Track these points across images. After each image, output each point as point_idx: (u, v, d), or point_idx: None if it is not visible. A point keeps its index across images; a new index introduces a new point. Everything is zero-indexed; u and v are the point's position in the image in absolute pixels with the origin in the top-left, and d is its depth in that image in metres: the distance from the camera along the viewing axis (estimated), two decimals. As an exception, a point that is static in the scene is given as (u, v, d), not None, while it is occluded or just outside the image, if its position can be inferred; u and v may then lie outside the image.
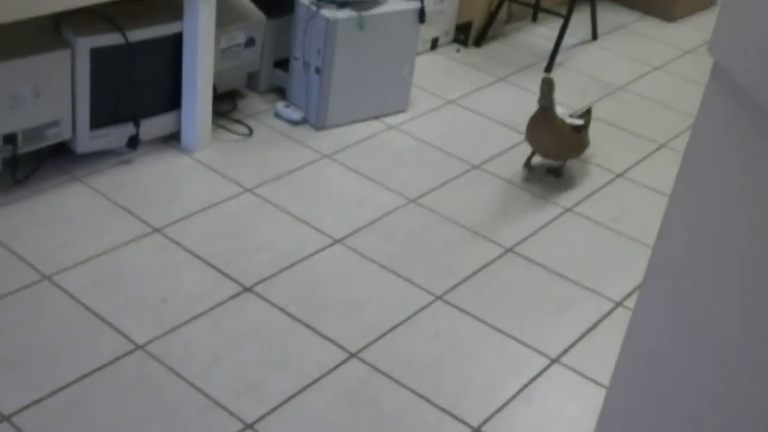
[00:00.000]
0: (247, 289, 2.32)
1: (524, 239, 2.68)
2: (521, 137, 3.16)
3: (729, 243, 1.44)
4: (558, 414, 2.09)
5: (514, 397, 2.12)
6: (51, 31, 2.55)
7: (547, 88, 2.80)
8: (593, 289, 2.51)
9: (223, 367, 2.08)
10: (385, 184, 2.83)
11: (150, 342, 2.11)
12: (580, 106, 3.51)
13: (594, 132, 3.28)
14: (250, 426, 1.94)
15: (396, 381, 2.11)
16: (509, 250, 2.63)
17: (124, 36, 2.58)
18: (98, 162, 2.72)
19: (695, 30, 4.46)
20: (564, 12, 3.84)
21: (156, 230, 2.48)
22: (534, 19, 4.25)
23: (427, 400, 2.07)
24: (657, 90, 3.76)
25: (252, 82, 3.20)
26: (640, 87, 3.77)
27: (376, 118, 3.20)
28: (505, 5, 3.97)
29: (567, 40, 3.99)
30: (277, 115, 3.11)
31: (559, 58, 3.84)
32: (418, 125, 3.21)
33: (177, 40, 2.72)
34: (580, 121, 2.97)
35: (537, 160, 3.05)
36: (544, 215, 2.81)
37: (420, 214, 2.72)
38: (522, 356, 2.24)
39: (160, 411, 1.94)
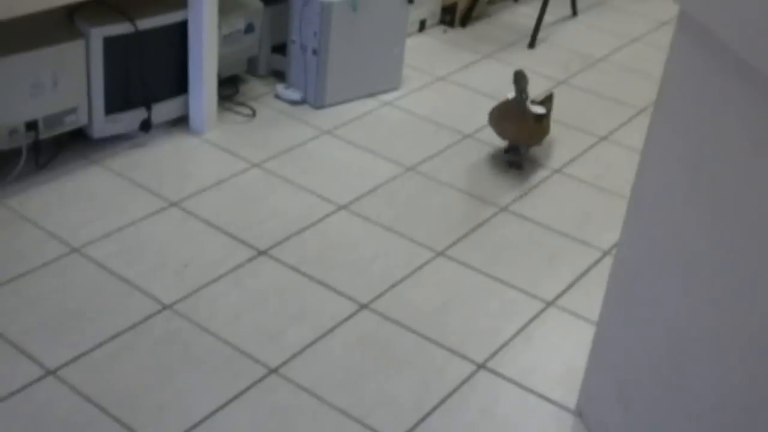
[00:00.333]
0: (262, 253, 2.50)
1: (517, 199, 2.86)
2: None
3: (698, 177, 1.63)
4: (555, 350, 2.28)
5: (514, 336, 2.30)
6: (65, 23, 2.72)
7: (524, 80, 2.89)
8: (582, 240, 2.70)
9: (245, 322, 2.25)
10: (383, 155, 3.01)
11: (176, 302, 2.29)
12: (563, 77, 3.70)
13: (577, 102, 3.47)
14: (274, 370, 2.12)
15: (405, 327, 2.29)
16: (503, 209, 2.81)
17: (134, 25, 2.75)
18: (113, 145, 2.89)
19: (671, 3, 4.64)
20: (544, -10, 4.03)
21: (173, 204, 2.66)
22: (516, -1, 4.43)
23: (435, 342, 2.25)
24: (635, 60, 3.95)
25: (252, 66, 3.37)
26: (619, 58, 3.96)
27: (371, 95, 3.38)
28: (488, -14, 4.15)
29: (548, 17, 4.18)
30: (278, 97, 3.29)
31: (541, 35, 4.03)
32: (410, 101, 3.39)
33: (183, 27, 2.89)
34: (542, 110, 3.00)
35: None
36: (534, 177, 2.99)
37: (417, 181, 2.90)
38: (520, 301, 2.43)
39: (190, 362, 2.12)
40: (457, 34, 4.02)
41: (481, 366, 2.20)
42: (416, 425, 2.01)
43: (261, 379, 2.09)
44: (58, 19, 2.71)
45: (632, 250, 1.88)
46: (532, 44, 3.96)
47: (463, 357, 2.22)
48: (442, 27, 4.05)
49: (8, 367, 2.04)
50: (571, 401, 2.12)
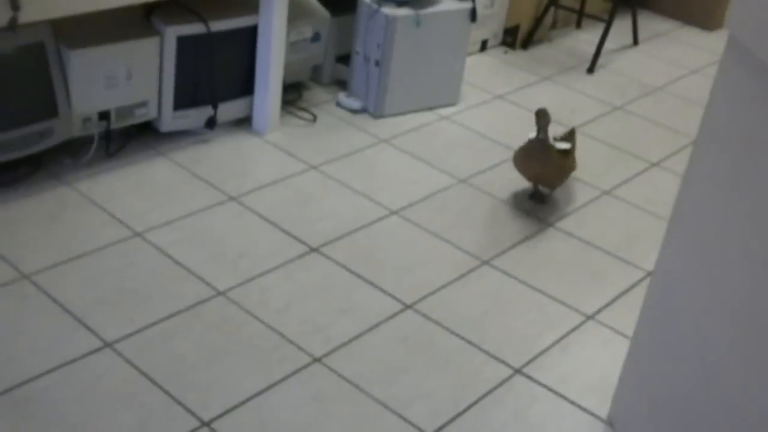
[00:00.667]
0: (313, 250, 2.60)
1: (564, 216, 2.93)
2: (563, 128, 3.42)
3: (735, 198, 1.68)
4: (591, 362, 2.34)
5: (552, 345, 2.37)
6: (142, 21, 2.86)
7: (543, 120, 2.82)
8: (627, 260, 2.75)
9: (294, 312, 2.35)
10: (437, 166, 3.10)
11: (230, 289, 2.39)
12: (620, 103, 3.76)
13: (631, 128, 3.52)
14: (318, 360, 2.21)
15: (446, 329, 2.37)
16: (550, 225, 2.88)
17: (207, 26, 2.88)
18: (179, 140, 3.02)
19: (733, 39, 4.67)
20: (606, 17, 4.09)
21: (232, 198, 2.77)
22: (578, 25, 4.50)
23: (475, 345, 2.32)
24: (693, 90, 3.99)
25: (316, 74, 3.49)
26: (677, 88, 4.01)
27: (429, 109, 3.47)
28: (551, 11, 4.23)
29: (609, 45, 4.25)
30: (339, 105, 3.40)
31: (600, 61, 4.09)
32: (468, 116, 3.48)
33: (252, 32, 3.02)
34: (566, 145, 2.96)
35: (524, 184, 3.07)
36: (583, 196, 3.05)
37: (469, 193, 2.98)
38: (560, 313, 2.49)
39: (240, 345, 2.22)
40: (517, 55, 4.10)
41: (518, 371, 2.27)
42: (451, 421, 2.08)
43: (305, 367, 2.18)
44: (136, 17, 2.85)
45: (669, 268, 1.93)
46: (591, 69, 4.03)
47: (501, 361, 2.29)
48: (503, 48, 4.13)
49: (70, 337, 2.16)
50: (604, 411, 2.17)
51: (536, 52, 4.17)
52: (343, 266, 2.54)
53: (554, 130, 3.26)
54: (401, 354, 2.27)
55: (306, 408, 2.06)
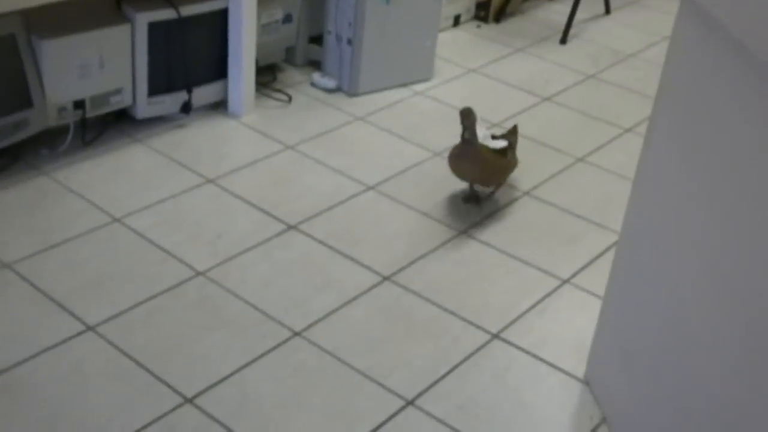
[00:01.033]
0: (291, 227, 2.63)
1: (539, 184, 2.96)
2: (538, 99, 3.46)
3: (695, 157, 1.72)
4: (567, 324, 2.38)
5: (528, 310, 2.41)
6: (113, 9, 2.87)
7: (468, 119, 2.66)
8: (601, 224, 2.79)
9: (273, 289, 2.38)
10: (412, 141, 3.13)
11: (209, 269, 2.43)
12: (593, 71, 3.79)
13: (604, 95, 3.56)
14: (298, 334, 2.24)
15: (424, 298, 2.41)
16: (525, 193, 2.91)
17: (177, 11, 2.90)
18: (155, 126, 3.05)
19: (705, 4, 4.70)
20: (577, -13, 4.12)
21: (209, 181, 2.80)
22: (550, -3, 4.53)
23: (452, 313, 2.36)
24: (664, 57, 4.02)
25: (290, 56, 3.51)
26: (649, 55, 4.04)
27: (404, 85, 3.50)
28: (522, -16, 4.25)
29: (582, 15, 4.28)
30: (314, 84, 3.43)
31: (573, 31, 4.12)
32: (442, 91, 3.51)
33: (224, 15, 3.04)
34: (503, 143, 2.81)
35: (459, 185, 2.95)
36: (558, 164, 3.09)
37: (444, 166, 3.01)
38: (536, 278, 2.53)
39: (221, 323, 2.25)
40: (490, 29, 4.13)
41: (495, 336, 2.31)
42: (430, 387, 2.13)
43: (285, 341, 2.22)
44: (107, 5, 2.87)
45: (634, 226, 1.97)
46: (563, 40, 4.06)
47: (479, 327, 2.33)
48: (475, 22, 4.16)
49: (52, 322, 2.19)
50: (581, 371, 2.22)
51: (509, 25, 4.20)
52: (321, 242, 2.58)
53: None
54: (380, 325, 2.31)
55: (288, 380, 2.10)
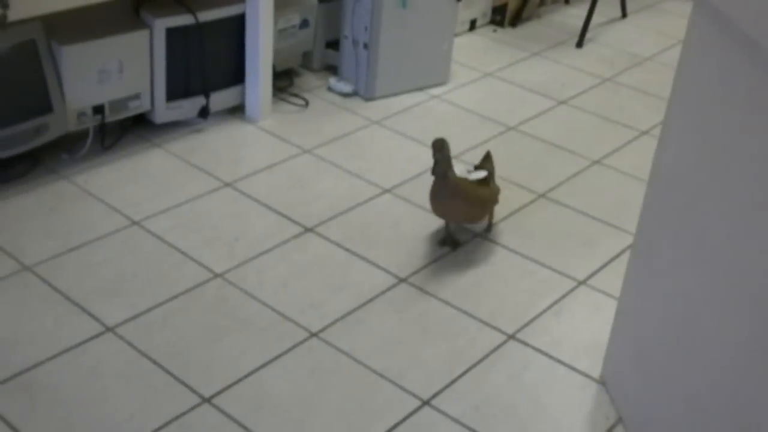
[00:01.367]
0: (308, 230, 2.65)
1: (555, 187, 2.97)
2: (554, 102, 3.46)
3: (711, 156, 1.72)
4: (583, 325, 2.38)
5: (544, 311, 2.41)
6: (131, 15, 2.91)
7: (439, 151, 2.42)
8: (617, 226, 2.79)
9: (290, 291, 2.40)
10: (428, 144, 3.14)
11: (227, 271, 2.45)
12: (609, 75, 3.80)
13: (620, 98, 3.56)
14: (315, 335, 2.26)
15: (440, 299, 2.42)
16: (541, 195, 2.92)
17: (195, 17, 2.93)
18: (174, 130, 3.08)
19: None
20: (593, -9, 4.13)
21: (227, 184, 2.83)
22: (567, 1, 4.53)
23: (469, 314, 2.37)
24: (683, 60, 4.02)
25: (306, 61, 3.54)
26: (664, 58, 4.04)
27: (420, 89, 3.52)
28: (538, -12, 4.26)
29: (598, 18, 4.28)
30: (330, 89, 3.45)
31: (589, 35, 4.13)
32: (458, 95, 3.52)
33: (241, 20, 3.07)
34: (482, 173, 2.63)
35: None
36: (573, 167, 3.10)
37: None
38: (552, 280, 2.54)
39: (238, 324, 2.27)
40: (506, 33, 4.14)
41: (511, 337, 2.31)
42: (446, 387, 2.14)
43: (302, 342, 2.23)
44: (125, 11, 2.90)
45: (650, 227, 1.98)
46: (580, 44, 4.06)
47: (495, 328, 2.34)
48: (492, 26, 4.17)
49: (72, 323, 2.22)
50: (596, 371, 2.22)
51: (525, 29, 4.21)
52: (338, 244, 2.60)
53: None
54: (396, 326, 2.32)
55: (304, 381, 2.12)
